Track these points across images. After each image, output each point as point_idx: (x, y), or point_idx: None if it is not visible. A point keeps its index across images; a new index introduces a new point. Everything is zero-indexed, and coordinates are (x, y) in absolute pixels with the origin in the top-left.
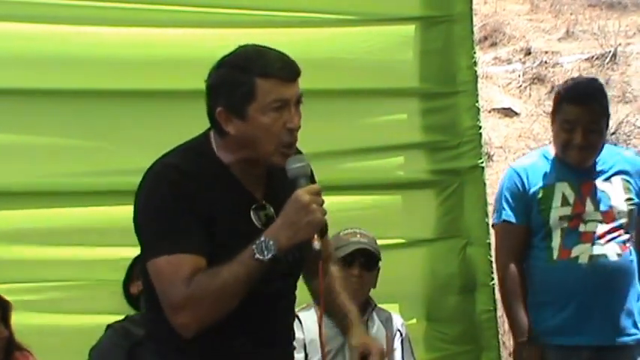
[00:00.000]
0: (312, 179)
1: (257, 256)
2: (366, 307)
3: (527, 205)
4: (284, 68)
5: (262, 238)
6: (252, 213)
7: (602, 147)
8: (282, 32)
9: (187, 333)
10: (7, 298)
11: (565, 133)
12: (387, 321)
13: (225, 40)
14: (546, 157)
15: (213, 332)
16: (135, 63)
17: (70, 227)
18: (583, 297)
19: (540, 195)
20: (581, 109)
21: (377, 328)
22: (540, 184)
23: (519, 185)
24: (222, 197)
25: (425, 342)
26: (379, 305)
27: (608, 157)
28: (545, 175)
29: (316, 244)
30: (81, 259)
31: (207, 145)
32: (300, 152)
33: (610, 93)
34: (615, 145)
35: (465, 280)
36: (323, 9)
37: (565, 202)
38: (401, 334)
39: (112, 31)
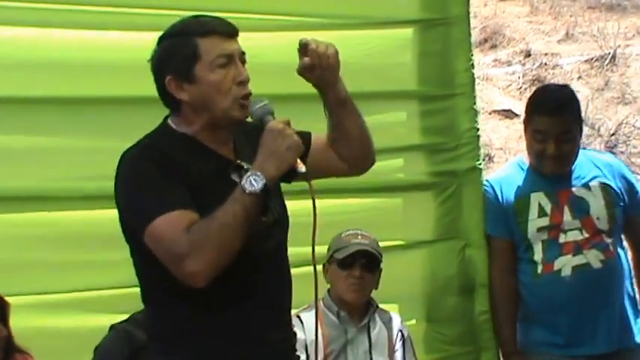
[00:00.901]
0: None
1: (248, 189)
2: (368, 308)
3: (505, 218)
4: (221, 25)
5: (248, 174)
6: (232, 174)
7: (577, 154)
8: (280, 36)
9: (198, 282)
10: (10, 299)
11: (537, 143)
12: (389, 322)
13: None
14: (521, 167)
15: (217, 314)
16: (134, 68)
17: (73, 231)
18: (572, 310)
19: (516, 207)
20: (551, 119)
21: (379, 329)
22: (515, 196)
23: (494, 199)
24: (198, 167)
25: (424, 343)
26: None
27: (585, 162)
28: (519, 186)
29: (301, 167)
30: (84, 262)
31: (168, 128)
32: None
33: (609, 94)
34: (615, 146)
35: (463, 282)
36: (321, 13)
37: (542, 212)
38: (402, 335)
39: (113, 36)
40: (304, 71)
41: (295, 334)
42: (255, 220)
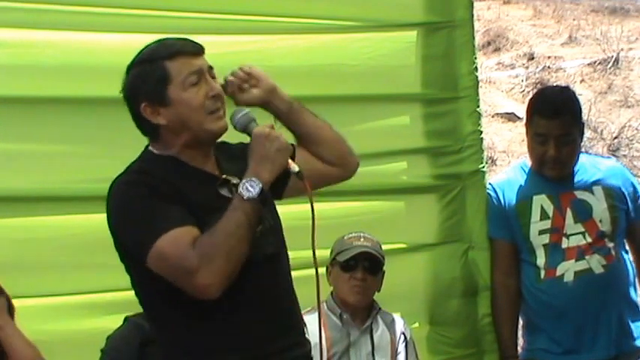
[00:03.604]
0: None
1: (246, 195)
2: (371, 310)
3: (507, 220)
4: (186, 45)
5: (243, 180)
6: (221, 189)
7: (578, 156)
8: (284, 39)
9: (212, 293)
10: (18, 302)
11: (538, 145)
12: (392, 324)
13: (227, 47)
14: (524, 170)
15: (217, 324)
16: None
17: (79, 234)
18: (573, 315)
19: (518, 210)
20: (551, 122)
21: (381, 331)
22: (517, 198)
23: (496, 201)
24: (187, 186)
25: (428, 345)
26: (382, 309)
27: (589, 166)
28: (521, 189)
29: (294, 167)
30: (91, 264)
31: (150, 154)
32: None
33: (612, 98)
34: (617, 149)
35: (467, 284)
36: (325, 15)
37: (544, 215)
38: (405, 337)
39: (113, 38)
40: (232, 93)
41: (309, 341)
42: (257, 225)
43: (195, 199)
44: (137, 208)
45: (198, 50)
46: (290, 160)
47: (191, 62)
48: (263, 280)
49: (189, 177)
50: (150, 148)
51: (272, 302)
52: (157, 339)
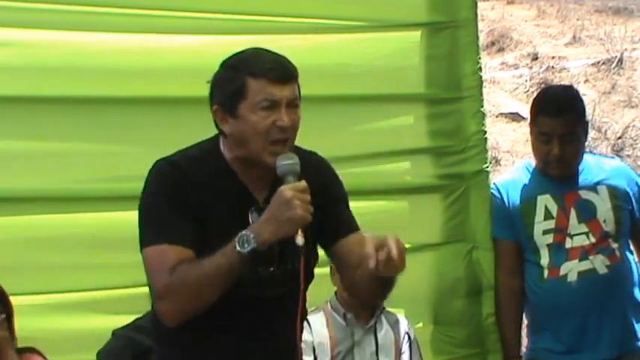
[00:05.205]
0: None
1: (237, 248)
2: (375, 310)
3: (511, 220)
4: (274, 69)
5: (244, 232)
6: (250, 214)
7: (582, 155)
8: (288, 39)
9: (168, 322)
10: (21, 300)
11: (542, 144)
12: (395, 324)
13: (231, 47)
14: (528, 170)
15: (218, 333)
16: (144, 70)
17: (83, 233)
18: (577, 315)
19: (522, 210)
20: (555, 121)
21: (385, 331)
22: (522, 198)
23: (500, 202)
24: (220, 196)
25: (432, 345)
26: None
27: (594, 166)
28: (526, 188)
29: (299, 239)
30: (94, 263)
31: (215, 144)
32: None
33: (616, 98)
34: (621, 149)
35: (471, 284)
36: (328, 15)
37: (548, 215)
38: (409, 337)
39: (121, 38)
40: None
41: None
42: (239, 274)
43: (221, 216)
44: (154, 205)
45: (284, 78)
46: (300, 232)
47: (271, 89)
48: (267, 316)
49: (230, 189)
50: (220, 138)
51: (274, 337)
52: (153, 337)
